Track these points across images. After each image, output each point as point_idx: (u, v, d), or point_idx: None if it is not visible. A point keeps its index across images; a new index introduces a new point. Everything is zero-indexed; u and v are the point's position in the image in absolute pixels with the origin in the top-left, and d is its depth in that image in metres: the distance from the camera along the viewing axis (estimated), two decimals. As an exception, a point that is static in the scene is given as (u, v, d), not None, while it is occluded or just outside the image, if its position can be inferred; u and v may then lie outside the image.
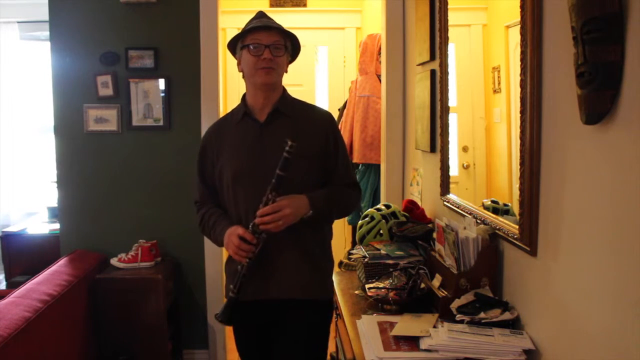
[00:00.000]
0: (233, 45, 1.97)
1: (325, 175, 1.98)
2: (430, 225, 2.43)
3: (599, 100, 1.18)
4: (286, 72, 1.97)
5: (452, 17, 2.33)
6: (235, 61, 2.00)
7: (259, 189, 1.83)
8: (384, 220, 2.51)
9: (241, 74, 1.97)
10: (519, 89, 1.59)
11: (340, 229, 4.85)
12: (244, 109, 1.97)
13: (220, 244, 1.94)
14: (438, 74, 2.45)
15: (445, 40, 2.36)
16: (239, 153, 1.93)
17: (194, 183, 2.08)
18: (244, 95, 2.01)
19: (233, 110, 2.05)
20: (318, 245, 1.98)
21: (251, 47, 1.87)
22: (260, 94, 1.93)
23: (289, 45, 1.95)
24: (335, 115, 4.23)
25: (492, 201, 1.99)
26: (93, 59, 3.18)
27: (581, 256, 1.34)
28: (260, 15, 1.96)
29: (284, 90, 2.00)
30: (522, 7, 1.56)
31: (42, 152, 4.94)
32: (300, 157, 1.84)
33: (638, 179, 1.10)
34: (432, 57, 2.57)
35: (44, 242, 3.91)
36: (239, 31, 1.93)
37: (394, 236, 2.43)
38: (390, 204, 2.62)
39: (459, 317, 1.67)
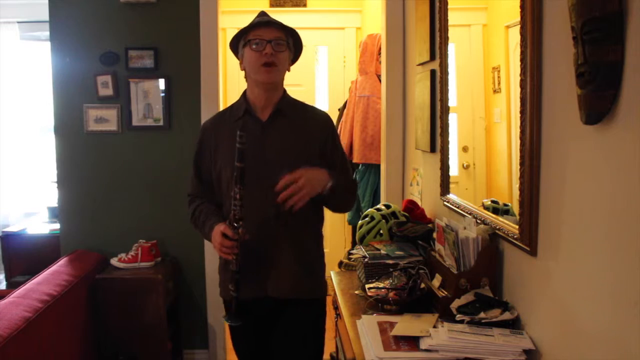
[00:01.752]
0: (235, 45, 1.97)
1: None
2: (430, 225, 2.43)
3: (599, 100, 1.18)
4: (288, 70, 1.98)
5: (452, 17, 2.33)
6: (235, 61, 2.00)
7: (261, 189, 1.84)
8: (384, 220, 2.51)
9: (243, 73, 1.97)
10: (519, 89, 1.59)
11: (340, 229, 4.84)
12: (245, 105, 1.96)
13: (210, 241, 1.96)
14: (438, 74, 2.45)
15: (445, 40, 2.36)
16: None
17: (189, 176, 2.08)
18: (245, 93, 2.00)
19: (232, 106, 2.04)
20: (313, 244, 2.00)
21: (253, 43, 1.87)
22: (262, 92, 1.94)
23: (291, 43, 1.96)
24: (335, 115, 4.23)
25: (492, 201, 1.99)
26: (93, 59, 3.17)
27: (581, 256, 1.34)
28: (262, 14, 1.97)
29: (285, 91, 2.02)
30: (522, 7, 1.56)
31: (42, 152, 4.94)
32: (299, 158, 1.86)
33: (638, 179, 1.10)
34: (432, 57, 2.56)
35: (44, 242, 3.90)
36: (240, 30, 1.93)
37: (394, 236, 2.43)
38: (390, 204, 2.62)
39: (459, 317, 1.67)
